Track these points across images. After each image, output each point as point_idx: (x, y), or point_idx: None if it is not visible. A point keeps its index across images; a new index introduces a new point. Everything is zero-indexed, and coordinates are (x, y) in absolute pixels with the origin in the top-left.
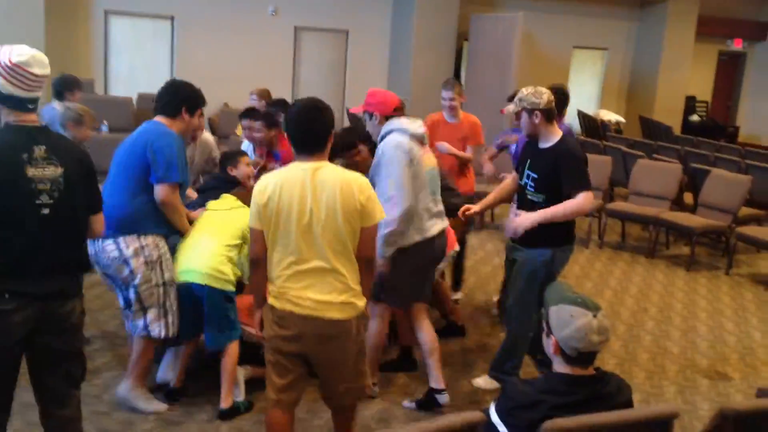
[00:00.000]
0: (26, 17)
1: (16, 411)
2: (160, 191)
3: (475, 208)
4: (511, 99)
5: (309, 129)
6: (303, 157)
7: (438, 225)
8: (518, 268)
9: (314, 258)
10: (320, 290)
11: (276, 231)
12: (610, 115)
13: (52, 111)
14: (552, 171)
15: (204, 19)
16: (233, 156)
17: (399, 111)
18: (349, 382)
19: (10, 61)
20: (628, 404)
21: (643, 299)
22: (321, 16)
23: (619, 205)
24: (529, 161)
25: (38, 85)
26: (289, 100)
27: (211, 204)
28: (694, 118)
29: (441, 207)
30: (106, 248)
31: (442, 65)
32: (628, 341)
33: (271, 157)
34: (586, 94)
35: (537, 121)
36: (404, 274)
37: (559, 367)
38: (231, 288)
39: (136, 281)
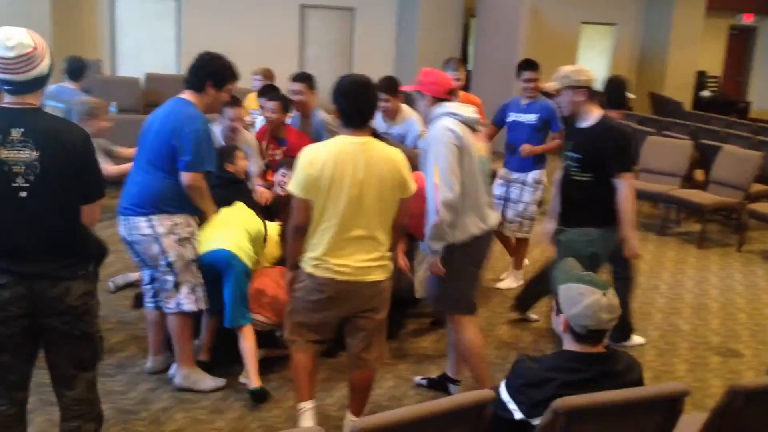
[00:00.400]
0: None
1: (33, 390)
2: (186, 177)
3: (550, 226)
4: (524, 67)
5: (359, 104)
6: (350, 130)
7: (494, 215)
8: (561, 250)
9: (358, 227)
10: (359, 257)
11: (326, 201)
12: None
13: (68, 92)
14: (596, 149)
15: None
16: (229, 152)
17: (452, 94)
18: (375, 343)
19: None
20: (638, 382)
21: (653, 277)
22: None
23: None
24: (571, 142)
25: (13, 67)
26: None
27: (225, 210)
28: (705, 93)
29: (491, 198)
30: (139, 225)
31: (450, 42)
32: (639, 319)
33: (274, 143)
34: (594, 70)
35: (580, 99)
36: (467, 272)
37: (569, 344)
38: (250, 266)
39: (170, 259)
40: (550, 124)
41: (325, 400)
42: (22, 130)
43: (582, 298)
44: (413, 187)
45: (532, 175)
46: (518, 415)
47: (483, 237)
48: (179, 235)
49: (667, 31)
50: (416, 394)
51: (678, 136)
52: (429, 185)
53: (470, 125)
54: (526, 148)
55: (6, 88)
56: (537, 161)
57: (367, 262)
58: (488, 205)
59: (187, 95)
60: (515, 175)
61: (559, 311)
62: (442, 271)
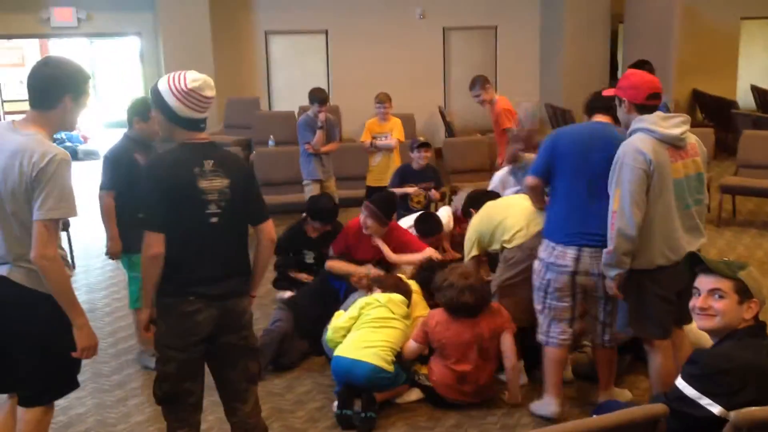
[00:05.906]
0: (196, 44)
1: (208, 408)
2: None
3: None
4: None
5: None
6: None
7: (694, 242)
8: None
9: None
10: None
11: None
12: None
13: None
14: None
15: (356, 30)
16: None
17: (654, 98)
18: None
19: (186, 87)
20: None
21: None
22: (468, 14)
23: None
24: None
25: (209, 106)
26: (442, 100)
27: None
28: None
29: (696, 221)
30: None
31: (596, 51)
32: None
33: None
34: (758, 67)
35: None
36: (651, 299)
37: None
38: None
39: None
40: None
41: (486, 419)
42: (212, 161)
43: None
44: None
45: None
46: (716, 409)
47: (673, 267)
48: None
49: None
50: (532, 421)
51: None
52: (609, 209)
53: (671, 143)
54: None
55: (202, 126)
56: None
57: None
58: (689, 230)
59: (603, 118)
60: None
61: None
62: (619, 295)
